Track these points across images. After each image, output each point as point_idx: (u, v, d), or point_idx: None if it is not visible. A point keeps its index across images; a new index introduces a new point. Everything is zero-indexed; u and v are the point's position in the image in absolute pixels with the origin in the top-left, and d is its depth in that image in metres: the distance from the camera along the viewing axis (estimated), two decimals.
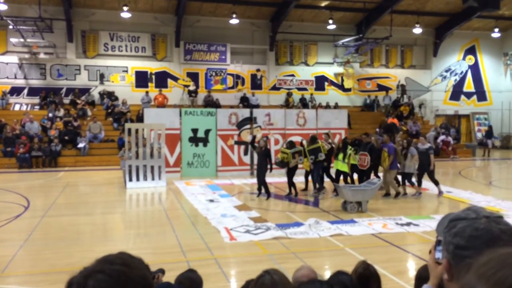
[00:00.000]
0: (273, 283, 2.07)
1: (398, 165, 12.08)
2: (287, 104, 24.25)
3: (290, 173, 12.04)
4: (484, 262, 0.79)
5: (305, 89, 25.54)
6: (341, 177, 12.56)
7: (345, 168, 12.24)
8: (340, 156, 12.32)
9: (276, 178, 14.23)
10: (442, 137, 22.75)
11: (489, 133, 25.19)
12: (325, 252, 7.49)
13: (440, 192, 12.24)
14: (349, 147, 12.37)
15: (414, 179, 12.22)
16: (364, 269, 3.17)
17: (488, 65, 28.71)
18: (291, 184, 12.09)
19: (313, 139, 12.22)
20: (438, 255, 1.38)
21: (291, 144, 12.17)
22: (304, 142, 12.91)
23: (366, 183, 11.12)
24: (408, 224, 9.06)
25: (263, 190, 11.90)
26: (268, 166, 11.69)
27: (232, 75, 24.52)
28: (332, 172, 12.72)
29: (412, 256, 7.20)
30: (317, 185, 12.19)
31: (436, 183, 12.19)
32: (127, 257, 1.18)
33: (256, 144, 12.39)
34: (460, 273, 1.13)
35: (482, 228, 1.18)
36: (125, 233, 8.79)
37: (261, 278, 2.14)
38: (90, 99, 22.51)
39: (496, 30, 26.35)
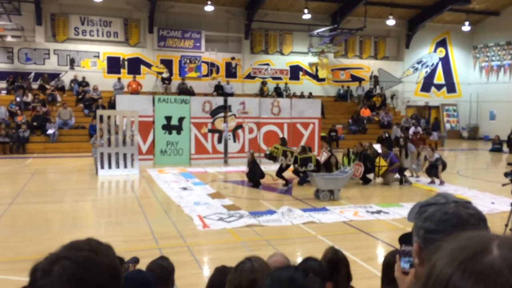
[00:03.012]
0: (252, 270, 2.08)
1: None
2: (262, 93, 24.23)
3: (280, 171, 12.06)
4: (450, 242, 0.81)
5: (279, 78, 25.55)
6: None
7: None
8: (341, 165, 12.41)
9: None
10: (412, 129, 23.23)
11: (435, 126, 25.93)
12: (297, 239, 7.57)
13: (442, 182, 12.50)
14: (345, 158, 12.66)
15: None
16: (333, 254, 3.23)
17: (458, 58, 29.37)
18: (281, 176, 12.02)
19: (303, 149, 12.09)
20: (404, 265, 1.40)
21: (283, 142, 12.21)
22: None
23: (339, 171, 11.28)
24: (379, 211, 9.25)
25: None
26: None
27: (206, 62, 24.29)
28: None
29: (382, 243, 7.36)
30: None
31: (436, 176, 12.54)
32: (94, 243, 1.15)
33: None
34: (430, 256, 1.15)
35: (451, 212, 1.20)
36: (96, 221, 8.66)
37: (242, 264, 2.14)
38: (60, 85, 21.92)
39: (467, 23, 26.93)
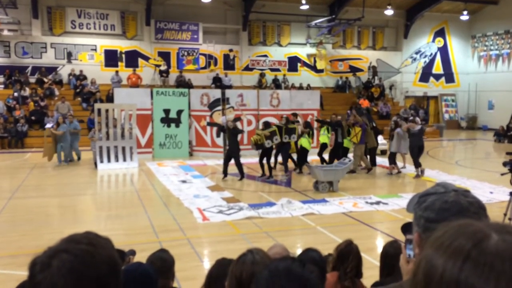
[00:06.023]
0: (254, 262, 2.08)
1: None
2: (260, 85, 24.16)
3: (264, 154, 12.05)
4: (441, 233, 0.79)
5: (278, 70, 25.47)
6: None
7: (305, 144, 12.68)
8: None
9: (249, 159, 14.27)
10: (411, 119, 23.20)
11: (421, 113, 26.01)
12: (297, 231, 7.59)
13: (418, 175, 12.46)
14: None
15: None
16: (346, 245, 3.27)
17: (457, 48, 29.28)
18: (262, 165, 12.07)
19: (287, 120, 12.40)
20: (409, 252, 1.40)
21: (266, 125, 12.21)
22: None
23: (338, 163, 11.29)
24: (378, 202, 9.27)
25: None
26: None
27: (204, 55, 24.18)
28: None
29: (381, 233, 7.39)
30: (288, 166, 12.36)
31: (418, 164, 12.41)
32: (93, 237, 1.15)
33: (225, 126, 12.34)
34: None
35: (451, 201, 1.20)
36: (96, 215, 8.67)
37: (243, 256, 2.14)
38: (58, 78, 21.84)
39: (465, 13, 26.79)
